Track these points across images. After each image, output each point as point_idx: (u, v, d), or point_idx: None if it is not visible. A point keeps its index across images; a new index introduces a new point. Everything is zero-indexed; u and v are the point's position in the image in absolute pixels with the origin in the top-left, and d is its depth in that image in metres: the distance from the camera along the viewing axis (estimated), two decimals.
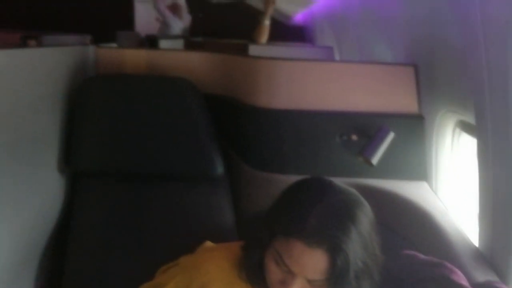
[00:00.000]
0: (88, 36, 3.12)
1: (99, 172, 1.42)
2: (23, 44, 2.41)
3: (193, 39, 3.20)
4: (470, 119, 1.21)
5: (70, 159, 1.38)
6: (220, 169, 1.43)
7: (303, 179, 0.90)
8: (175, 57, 1.65)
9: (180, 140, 1.41)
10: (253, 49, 2.68)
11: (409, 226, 1.30)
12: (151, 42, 2.35)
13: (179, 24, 4.37)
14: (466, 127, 1.32)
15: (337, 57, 3.27)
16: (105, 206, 1.40)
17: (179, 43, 2.68)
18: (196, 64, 1.65)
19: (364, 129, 1.43)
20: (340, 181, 0.87)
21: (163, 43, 2.40)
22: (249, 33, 3.20)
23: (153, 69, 1.61)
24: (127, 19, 4.21)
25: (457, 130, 1.38)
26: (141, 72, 1.60)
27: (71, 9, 4.18)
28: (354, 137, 1.44)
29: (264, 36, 3.03)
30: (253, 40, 3.01)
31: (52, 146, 1.34)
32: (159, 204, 1.41)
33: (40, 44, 2.45)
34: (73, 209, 1.39)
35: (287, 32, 5.15)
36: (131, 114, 1.40)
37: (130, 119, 1.40)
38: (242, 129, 1.55)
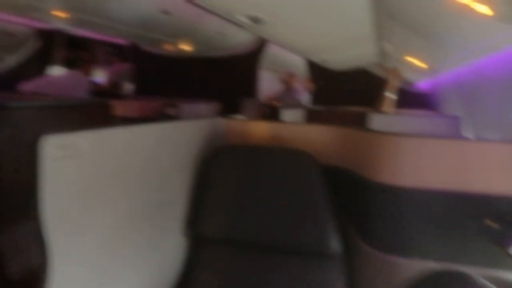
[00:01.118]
0: (216, 102, 3.43)
1: (219, 239, 1.47)
2: (163, 111, 2.75)
3: (313, 108, 3.29)
4: None
5: (193, 224, 1.46)
6: (336, 246, 1.38)
7: (441, 273, 0.81)
8: (296, 130, 1.70)
9: (297, 212, 1.40)
10: (374, 119, 2.63)
11: None
12: (273, 111, 2.48)
13: (305, 95, 4.58)
14: None
15: (464, 127, 3.03)
16: (221, 272, 1.43)
17: (299, 112, 2.77)
18: (316, 136, 1.67)
19: (505, 215, 1.26)
20: (474, 272, 0.76)
21: (284, 113, 2.50)
22: (372, 100, 3.18)
23: (276, 140, 1.67)
24: (252, 86, 4.53)
25: None
26: (265, 142, 1.67)
27: (202, 76, 4.66)
28: (493, 224, 1.27)
29: (388, 108, 2.96)
30: (376, 109, 2.96)
31: (179, 210, 1.45)
32: (273, 275, 1.40)
33: (177, 111, 2.77)
34: (191, 271, 1.45)
35: (409, 98, 4.98)
36: (253, 184, 1.45)
37: (252, 189, 1.45)
38: (362, 205, 1.49)
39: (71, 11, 3.25)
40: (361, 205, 1.50)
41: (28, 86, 3.34)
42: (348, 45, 2.77)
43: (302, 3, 1.64)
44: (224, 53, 4.60)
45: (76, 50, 3.64)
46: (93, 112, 1.75)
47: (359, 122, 2.65)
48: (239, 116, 1.88)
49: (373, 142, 1.49)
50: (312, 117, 2.81)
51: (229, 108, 3.45)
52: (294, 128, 1.73)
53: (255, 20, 1.73)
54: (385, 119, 2.68)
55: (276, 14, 1.72)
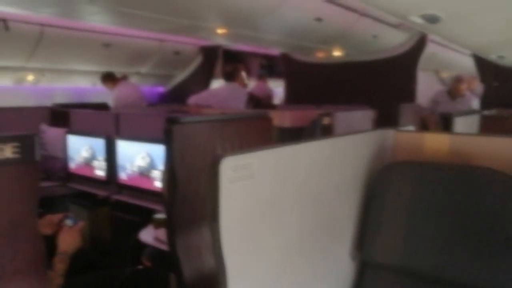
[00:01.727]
0: (371, 109, 3.24)
1: (389, 266, 1.33)
2: (318, 120, 2.70)
3: (491, 114, 2.83)
4: None
5: (362, 247, 1.35)
6: None
7: None
8: (480, 143, 1.44)
9: (486, 244, 1.17)
10: None
11: None
12: (445, 120, 2.20)
13: (475, 100, 4.05)
14: None
15: None
16: None
17: (474, 119, 2.41)
18: (508, 150, 1.39)
19: None
20: None
21: (458, 120, 2.19)
22: None
23: (456, 156, 1.44)
24: (410, 90, 4.18)
25: None
26: (443, 158, 1.46)
27: (353, 82, 4.50)
28: None
29: None
30: None
31: (347, 231, 1.35)
32: None
33: (332, 120, 2.69)
34: None
35: None
36: (430, 207, 1.27)
37: (429, 213, 1.26)
38: None
39: (231, 27, 3.47)
40: None
41: (192, 99, 3.68)
42: None
43: None
44: (375, 56, 4.35)
45: (233, 63, 3.88)
46: (256, 124, 1.78)
47: None
48: (409, 127, 1.69)
49: None
50: (490, 125, 2.42)
51: (384, 115, 3.22)
52: (478, 141, 1.47)
53: (432, 19, 1.53)
54: None
55: (456, 11, 1.49)
